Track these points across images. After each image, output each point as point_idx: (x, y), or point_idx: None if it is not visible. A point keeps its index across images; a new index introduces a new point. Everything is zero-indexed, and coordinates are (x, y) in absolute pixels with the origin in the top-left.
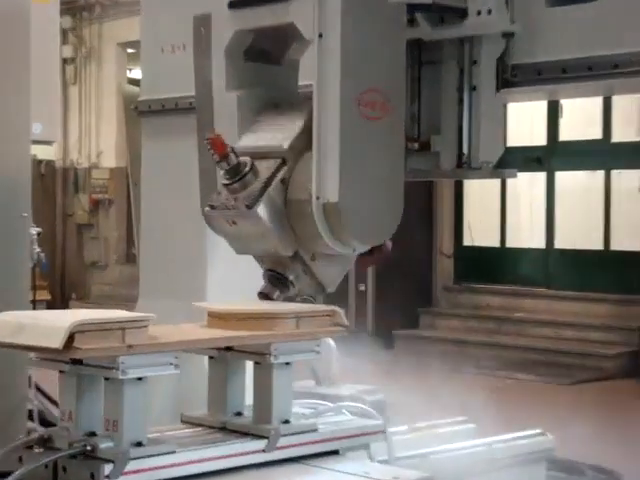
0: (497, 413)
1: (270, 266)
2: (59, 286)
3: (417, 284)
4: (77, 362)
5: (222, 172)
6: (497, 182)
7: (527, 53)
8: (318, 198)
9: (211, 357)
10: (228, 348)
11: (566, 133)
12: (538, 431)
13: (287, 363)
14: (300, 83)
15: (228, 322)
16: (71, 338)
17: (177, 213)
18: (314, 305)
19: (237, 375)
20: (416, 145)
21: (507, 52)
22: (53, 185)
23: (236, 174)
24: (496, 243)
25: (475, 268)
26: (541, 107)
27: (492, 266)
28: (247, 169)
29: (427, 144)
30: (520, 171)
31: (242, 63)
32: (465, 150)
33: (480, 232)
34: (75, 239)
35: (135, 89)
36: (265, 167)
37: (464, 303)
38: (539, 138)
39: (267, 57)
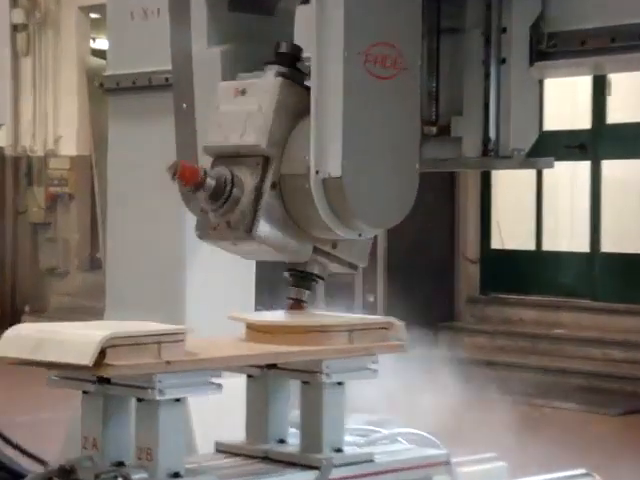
0: (533, 449)
1: (290, 265)
2: (9, 297)
3: (436, 294)
4: (104, 381)
5: (201, 199)
6: (532, 173)
7: (567, 19)
8: (317, 172)
9: (250, 376)
10: (270, 366)
11: (615, 115)
12: (582, 471)
13: (339, 383)
14: (296, 36)
15: (271, 336)
16: (101, 354)
17: (151, 210)
18: (368, 317)
19: (280, 396)
20: (434, 129)
21: (542, 18)
22: (2, 177)
23: (219, 196)
24: (531, 246)
25: (505, 275)
26: (585, 83)
27: (526, 273)
28: (229, 187)
29: (447, 128)
30: (558, 160)
31: (226, 13)
32: (492, 135)
33: (511, 233)
34: (29, 241)
35: (100, 62)
36: (248, 174)
37: (492, 317)
38: (582, 121)
39: (256, 6)
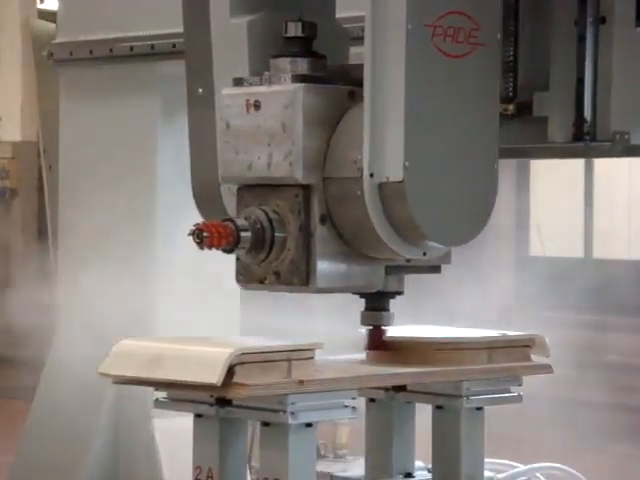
0: None
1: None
2: None
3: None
4: (224, 403)
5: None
6: (580, 167)
7: None
8: (372, 175)
9: (372, 400)
10: (398, 388)
11: None
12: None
13: (479, 408)
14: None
15: (392, 355)
16: (229, 372)
17: (112, 208)
18: (508, 333)
19: (407, 423)
20: (511, 107)
21: None
22: None
23: (260, 247)
24: (578, 253)
25: (546, 288)
26: None
27: (572, 285)
28: (270, 233)
29: (527, 106)
30: None
31: None
32: (587, 115)
33: (555, 237)
34: None
35: (49, 26)
36: (287, 209)
37: None
38: None
39: None
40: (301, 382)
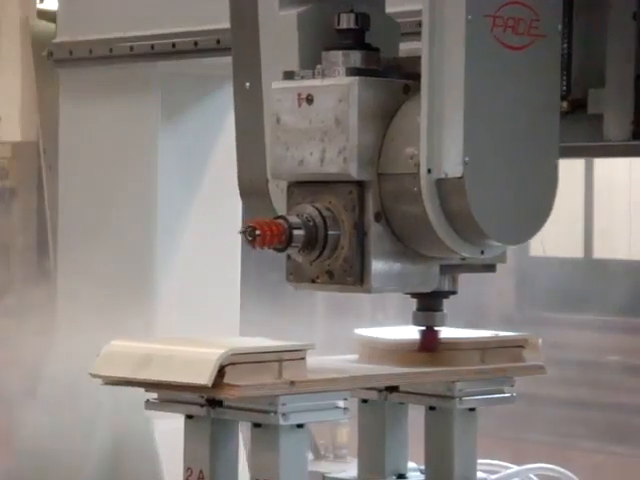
0: None
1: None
2: None
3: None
4: (215, 404)
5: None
6: (580, 166)
7: None
8: (430, 171)
9: (364, 401)
10: (390, 389)
11: None
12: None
13: (471, 409)
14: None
15: (385, 355)
16: (219, 373)
17: (113, 208)
18: (500, 333)
19: (398, 424)
20: (564, 104)
21: None
22: None
23: (313, 245)
24: (578, 253)
25: (548, 289)
26: None
27: (573, 286)
28: (323, 231)
29: (582, 103)
30: None
31: None
32: None
33: (555, 237)
34: None
35: (49, 26)
36: (341, 207)
37: None
38: None
39: None
40: (292, 383)
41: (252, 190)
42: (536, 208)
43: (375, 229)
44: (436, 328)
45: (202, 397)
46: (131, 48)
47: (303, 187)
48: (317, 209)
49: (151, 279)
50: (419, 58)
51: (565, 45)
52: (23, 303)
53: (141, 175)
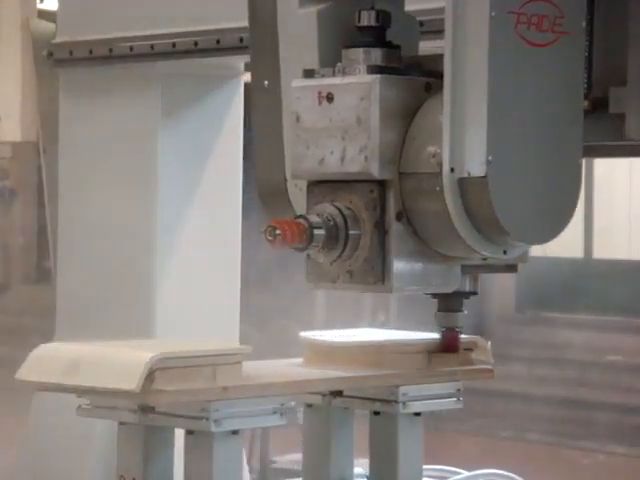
0: None
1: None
2: None
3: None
4: (147, 410)
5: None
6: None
7: None
8: (452, 170)
9: (309, 405)
10: (335, 393)
11: None
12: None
13: (417, 414)
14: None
15: (332, 359)
16: (148, 378)
17: (112, 209)
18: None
19: (344, 429)
20: (585, 103)
21: None
22: None
23: (333, 244)
24: (578, 253)
25: (547, 289)
26: None
27: (572, 286)
28: (344, 230)
29: (603, 102)
30: None
31: None
32: None
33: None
34: None
35: (49, 26)
36: (362, 205)
37: (530, 340)
38: None
39: None
40: (225, 388)
41: (271, 190)
42: (559, 208)
43: (396, 228)
44: (457, 329)
45: (135, 403)
46: (131, 48)
47: (323, 186)
48: (338, 208)
49: (151, 279)
50: (440, 56)
51: (586, 43)
52: (22, 302)
53: (141, 175)
